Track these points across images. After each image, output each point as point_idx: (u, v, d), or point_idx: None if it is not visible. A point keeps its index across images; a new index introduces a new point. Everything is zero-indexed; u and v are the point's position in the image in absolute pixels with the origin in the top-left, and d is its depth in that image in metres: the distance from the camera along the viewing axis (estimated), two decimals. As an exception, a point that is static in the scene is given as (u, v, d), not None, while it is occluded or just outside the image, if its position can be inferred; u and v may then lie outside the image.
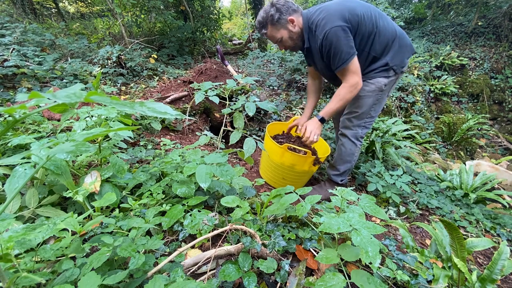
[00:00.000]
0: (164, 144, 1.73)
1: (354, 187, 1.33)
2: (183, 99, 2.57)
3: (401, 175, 1.96)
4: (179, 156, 1.32)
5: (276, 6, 1.47)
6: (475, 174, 2.62)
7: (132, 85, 3.10)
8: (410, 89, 4.87)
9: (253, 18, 6.14)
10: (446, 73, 6.10)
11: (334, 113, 1.57)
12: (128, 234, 0.87)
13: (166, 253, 0.92)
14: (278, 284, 0.87)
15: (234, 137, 1.60)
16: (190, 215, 1.02)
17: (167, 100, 2.46)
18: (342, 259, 0.81)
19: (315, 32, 1.47)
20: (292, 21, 1.48)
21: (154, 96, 2.56)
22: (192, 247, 0.95)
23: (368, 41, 1.48)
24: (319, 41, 1.45)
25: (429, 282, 0.96)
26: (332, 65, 1.48)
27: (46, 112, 1.78)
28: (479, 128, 5.26)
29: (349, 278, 0.74)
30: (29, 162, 0.83)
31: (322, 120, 1.56)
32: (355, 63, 1.43)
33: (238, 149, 1.47)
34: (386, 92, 1.63)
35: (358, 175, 2.20)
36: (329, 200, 1.60)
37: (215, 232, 0.93)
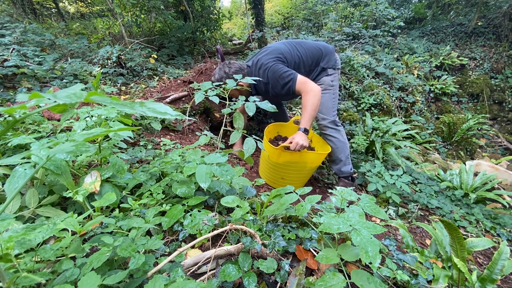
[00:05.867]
0: (164, 144, 1.73)
1: (354, 187, 1.33)
2: (183, 99, 2.57)
3: (401, 175, 1.96)
4: (179, 156, 1.32)
5: (229, 75, 1.90)
6: (475, 174, 2.63)
7: (132, 85, 3.10)
8: (410, 89, 4.87)
9: (253, 18, 6.14)
10: (446, 73, 6.10)
11: (312, 120, 1.76)
12: (128, 234, 0.87)
13: (166, 253, 0.92)
14: (278, 284, 0.87)
15: (234, 137, 1.59)
16: (190, 215, 1.02)
17: (167, 100, 2.46)
18: (342, 259, 0.81)
19: (259, 74, 1.90)
20: (240, 85, 1.72)
21: (154, 96, 2.56)
22: (192, 247, 0.95)
23: (300, 67, 1.90)
24: (265, 77, 1.86)
25: (429, 282, 0.96)
26: (286, 89, 1.78)
27: (46, 112, 1.78)
28: (479, 128, 5.26)
29: (349, 278, 0.74)
30: (29, 162, 0.83)
31: (305, 131, 1.73)
32: (301, 77, 1.76)
33: (238, 149, 1.47)
34: (337, 86, 1.98)
35: (358, 175, 2.19)
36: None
37: (215, 232, 0.93)
